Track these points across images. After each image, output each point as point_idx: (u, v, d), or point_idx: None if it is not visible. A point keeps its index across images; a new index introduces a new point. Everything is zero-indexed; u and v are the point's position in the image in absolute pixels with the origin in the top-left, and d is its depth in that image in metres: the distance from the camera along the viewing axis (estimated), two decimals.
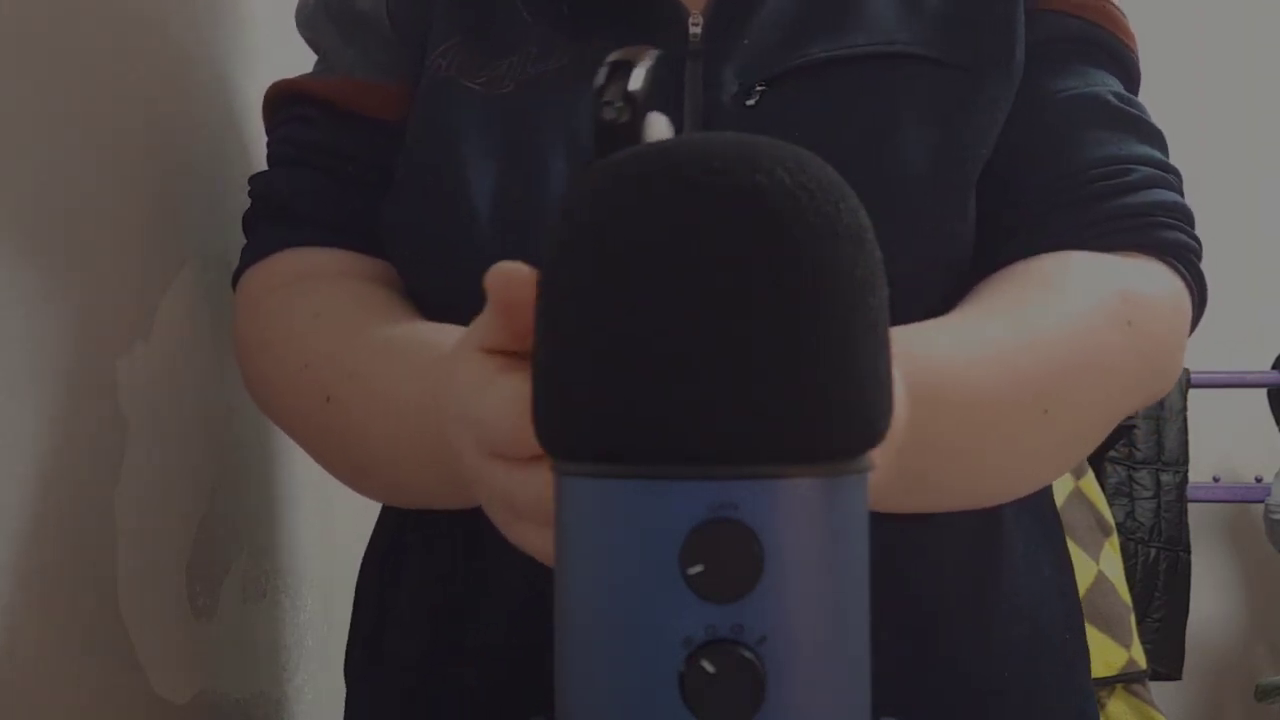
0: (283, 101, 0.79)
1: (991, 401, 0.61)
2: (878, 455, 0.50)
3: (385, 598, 0.77)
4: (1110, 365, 0.66)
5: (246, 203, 0.80)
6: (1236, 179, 2.80)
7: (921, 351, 0.58)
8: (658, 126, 0.42)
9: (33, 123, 0.64)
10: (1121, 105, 0.73)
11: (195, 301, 0.82)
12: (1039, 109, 0.72)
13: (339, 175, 0.76)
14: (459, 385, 0.51)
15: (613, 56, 0.42)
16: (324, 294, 0.71)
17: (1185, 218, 0.71)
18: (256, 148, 0.90)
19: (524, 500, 0.48)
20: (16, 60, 0.62)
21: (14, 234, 0.62)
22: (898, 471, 0.53)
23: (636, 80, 0.41)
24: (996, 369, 0.61)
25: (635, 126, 0.41)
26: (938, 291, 0.68)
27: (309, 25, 0.82)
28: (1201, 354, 2.47)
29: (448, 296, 0.67)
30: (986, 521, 0.72)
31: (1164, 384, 0.71)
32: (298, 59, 0.83)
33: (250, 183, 0.79)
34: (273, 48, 0.92)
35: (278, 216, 0.76)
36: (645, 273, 0.34)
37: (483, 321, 0.50)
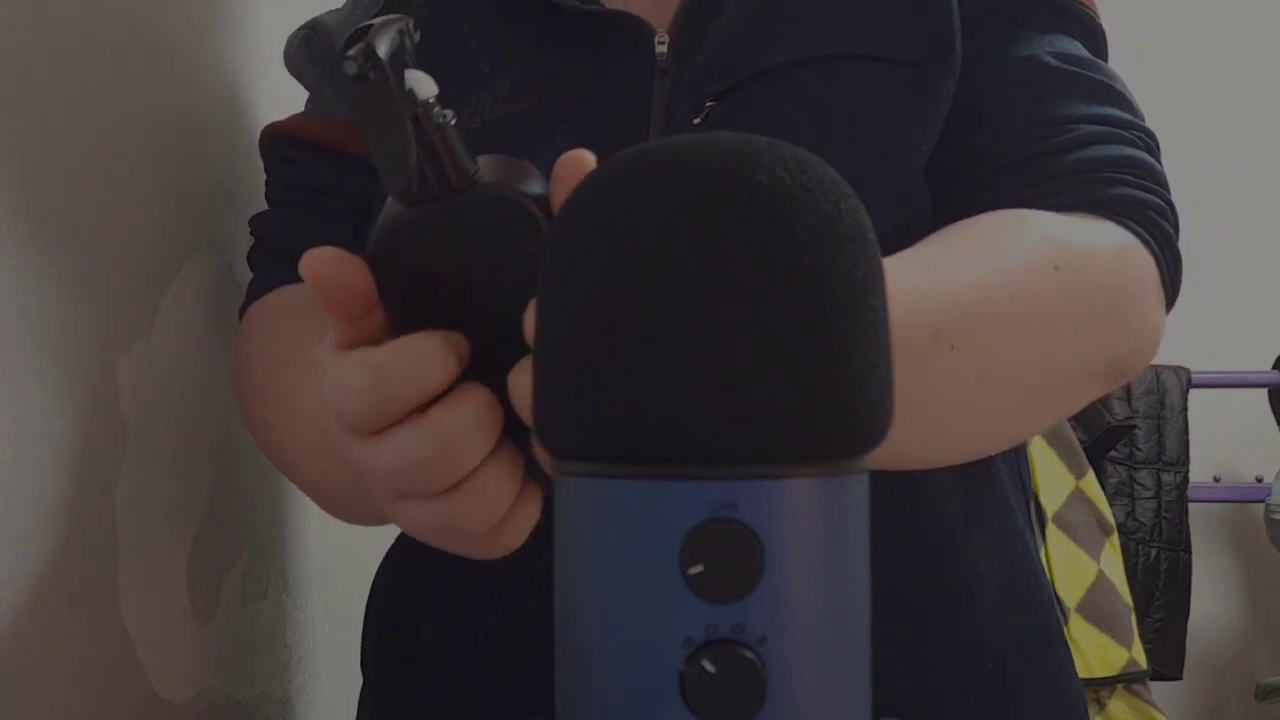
0: (273, 143, 0.83)
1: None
2: None
3: (401, 593, 0.78)
4: (1032, 305, 0.61)
5: (248, 203, 0.82)
6: (1236, 179, 2.80)
7: None
8: (421, 83, 0.43)
9: (33, 124, 0.64)
10: (1064, 65, 0.72)
11: (195, 302, 0.82)
12: (985, 79, 0.72)
13: (327, 212, 0.79)
14: (321, 383, 0.51)
15: (355, 28, 0.44)
16: (293, 324, 0.74)
17: (1143, 173, 0.68)
18: (258, 150, 0.90)
19: (385, 471, 0.48)
20: (18, 61, 0.62)
21: (14, 234, 0.62)
22: None
23: (378, 38, 0.42)
24: (896, 303, 0.59)
25: (384, 82, 0.42)
26: None
27: (293, 65, 0.85)
28: (1201, 354, 2.48)
29: None
30: (966, 509, 0.72)
31: (1130, 338, 0.67)
32: None
33: (250, 224, 0.82)
34: (278, 51, 0.92)
35: (274, 255, 0.80)
36: (644, 272, 0.34)
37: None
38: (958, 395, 0.60)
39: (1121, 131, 0.70)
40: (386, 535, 0.82)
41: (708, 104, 0.70)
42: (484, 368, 0.48)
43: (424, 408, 0.47)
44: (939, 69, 0.71)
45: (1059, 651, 0.77)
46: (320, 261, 0.47)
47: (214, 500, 0.83)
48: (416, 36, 0.46)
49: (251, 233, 0.82)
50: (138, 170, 0.76)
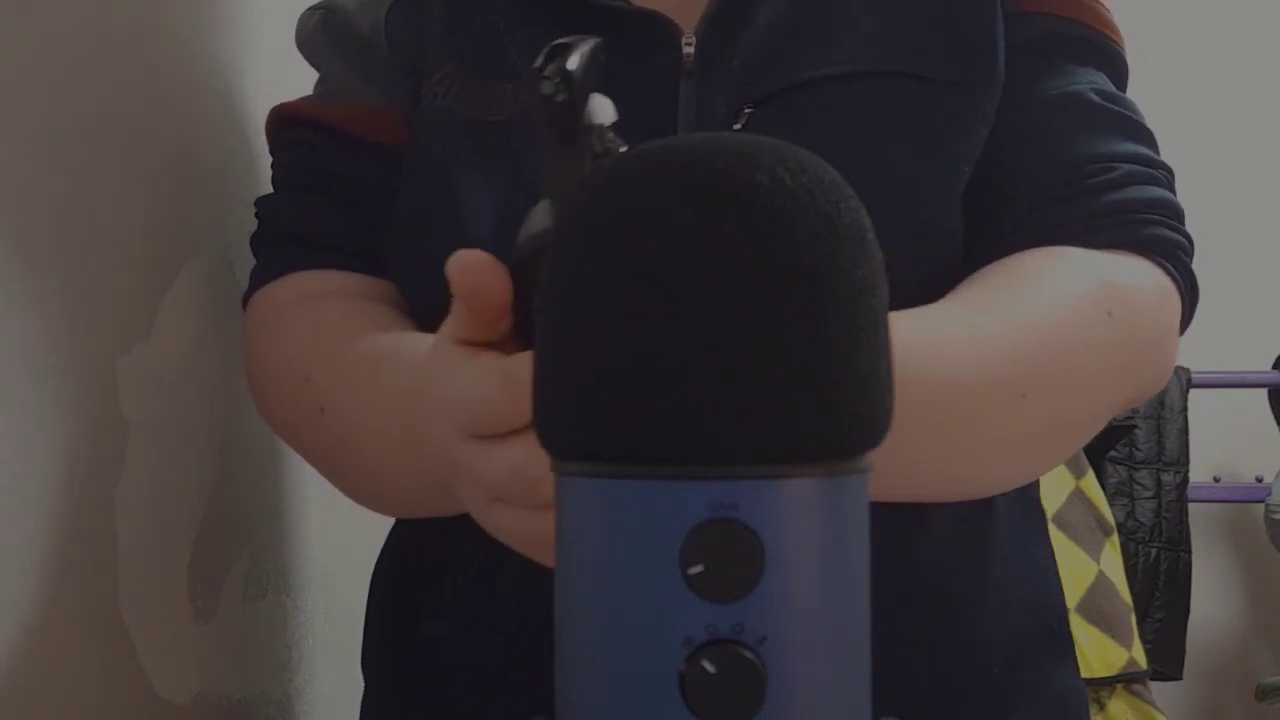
0: (284, 126, 0.80)
1: (965, 381, 0.60)
2: None
3: (399, 595, 0.77)
4: (1090, 353, 0.65)
5: (248, 203, 0.81)
6: (1236, 179, 2.80)
7: (900, 335, 0.58)
8: (602, 109, 0.44)
9: (33, 124, 0.64)
10: (1105, 103, 0.73)
11: (195, 302, 0.82)
12: (1024, 110, 0.72)
13: (344, 199, 0.77)
14: (435, 377, 0.52)
15: (553, 42, 0.44)
16: (324, 311, 0.73)
17: (1172, 213, 0.71)
18: (258, 148, 0.90)
19: (494, 477, 0.49)
20: (18, 62, 0.62)
21: (14, 234, 0.62)
22: (885, 451, 0.53)
23: (574, 61, 0.42)
24: (970, 350, 0.61)
25: (575, 105, 0.42)
26: (929, 300, 0.68)
27: (308, 46, 0.83)
28: (1201, 354, 2.48)
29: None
30: (979, 513, 0.72)
31: (1155, 377, 0.71)
32: (301, 62, 0.83)
33: (257, 205, 0.80)
34: (276, 49, 0.92)
35: (285, 240, 0.78)
36: (645, 272, 0.34)
37: (452, 314, 0.52)
38: (1023, 439, 0.65)
39: (1153, 171, 0.72)
40: (384, 536, 0.82)
41: (746, 110, 0.70)
42: None
43: None
44: (980, 89, 0.72)
45: (1064, 653, 0.77)
46: (470, 264, 0.48)
47: (214, 500, 0.83)
48: (604, 58, 0.46)
49: (258, 216, 0.80)
50: (137, 170, 0.76)
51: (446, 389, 0.50)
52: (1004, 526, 0.74)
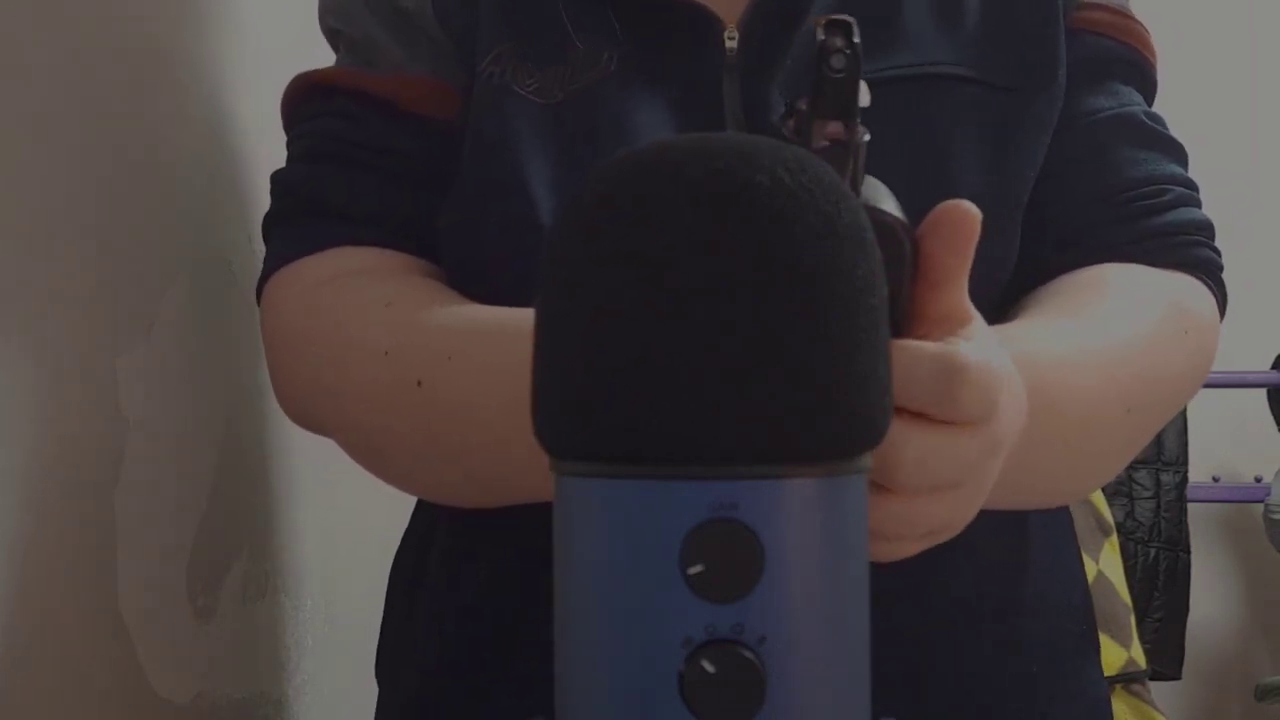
0: (316, 95, 0.76)
1: (1088, 401, 0.63)
2: (1005, 447, 0.52)
3: (413, 602, 0.77)
4: (1176, 370, 0.70)
5: (247, 202, 0.80)
6: (1236, 179, 2.80)
7: (1030, 349, 0.60)
8: (864, 92, 0.44)
9: (32, 124, 0.64)
10: (1153, 125, 0.76)
11: (195, 301, 0.82)
12: (1079, 129, 0.74)
13: (386, 173, 0.73)
14: None
15: (823, 19, 0.43)
16: (391, 285, 0.70)
17: (1211, 234, 0.75)
18: (256, 149, 0.90)
19: (897, 459, 0.48)
20: (16, 63, 0.63)
21: (14, 234, 0.62)
22: (1016, 463, 0.54)
23: (857, 34, 0.42)
24: (1095, 371, 0.64)
25: (855, 80, 0.42)
26: (981, 306, 0.68)
27: (341, 17, 0.78)
28: None
29: (502, 304, 0.66)
30: (1015, 520, 0.72)
31: (1199, 387, 0.75)
32: (295, 63, 0.83)
33: (274, 181, 0.76)
34: (271, 50, 0.92)
35: (315, 215, 0.73)
36: (645, 272, 0.34)
37: None
38: (1119, 452, 0.70)
39: (1192, 193, 0.75)
40: (386, 536, 0.82)
41: (800, 107, 0.69)
42: None
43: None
44: (1041, 96, 0.72)
45: (1093, 653, 0.78)
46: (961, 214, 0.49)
47: (214, 500, 0.83)
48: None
49: (277, 191, 0.75)
50: (138, 170, 0.76)
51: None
52: (1038, 531, 0.74)
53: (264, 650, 0.93)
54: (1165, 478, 2.43)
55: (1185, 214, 0.74)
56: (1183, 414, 2.45)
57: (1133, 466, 2.41)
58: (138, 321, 0.74)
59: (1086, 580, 0.80)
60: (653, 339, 0.34)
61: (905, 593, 0.60)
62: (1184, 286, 0.72)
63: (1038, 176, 0.72)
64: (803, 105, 0.45)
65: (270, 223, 0.76)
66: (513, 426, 0.60)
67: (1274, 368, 2.52)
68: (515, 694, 0.69)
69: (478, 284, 0.71)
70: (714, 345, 0.34)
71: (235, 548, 0.87)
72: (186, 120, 0.84)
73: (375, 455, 0.71)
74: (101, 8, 0.72)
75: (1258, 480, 2.64)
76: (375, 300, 0.68)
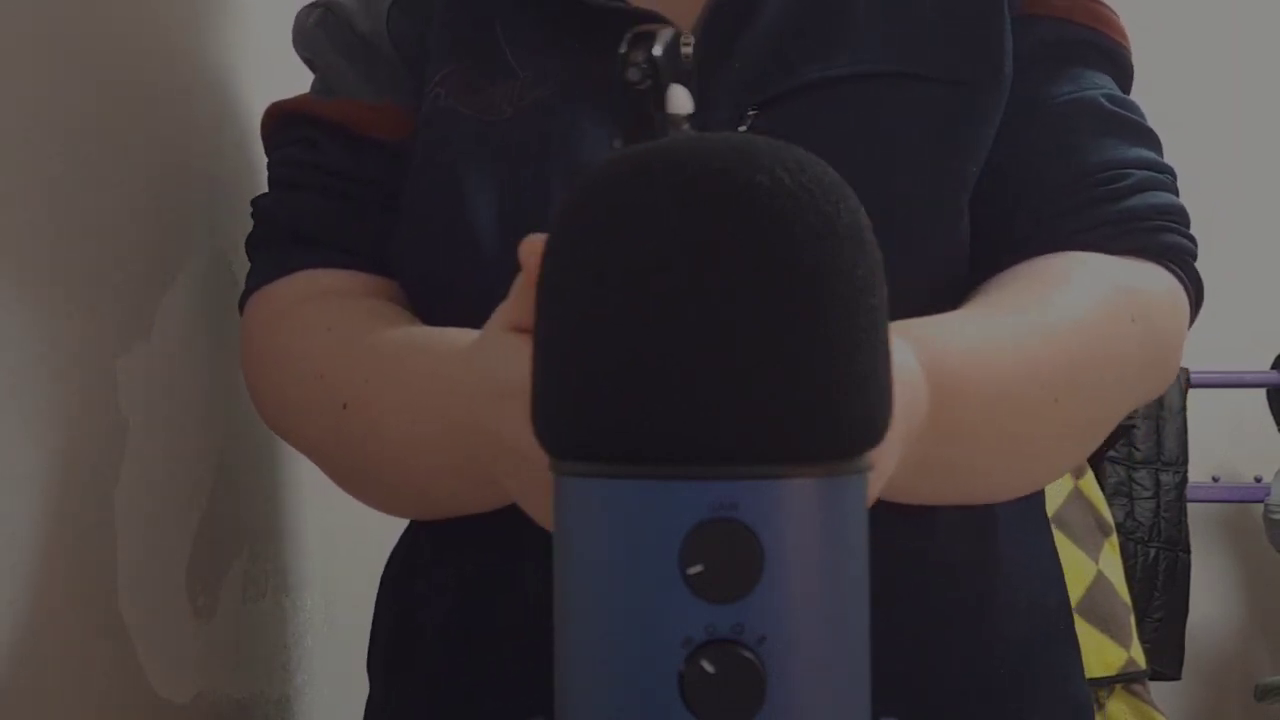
0: (283, 123, 0.79)
1: (1007, 389, 0.62)
2: (897, 440, 0.51)
3: (405, 599, 0.77)
4: (1116, 358, 0.67)
5: (246, 202, 0.80)
6: (1235, 179, 2.80)
7: (940, 341, 0.59)
8: (678, 98, 0.44)
9: (33, 124, 0.64)
10: (1115, 108, 0.74)
11: (195, 301, 0.82)
12: (1036, 115, 0.72)
13: (347, 198, 0.76)
14: (492, 364, 0.52)
15: (634, 30, 0.44)
16: (335, 309, 0.72)
17: (1180, 219, 0.72)
18: (256, 149, 0.90)
19: None
20: (17, 62, 0.63)
21: (14, 234, 0.62)
22: (920, 458, 0.55)
23: (658, 47, 0.42)
24: (1006, 360, 0.62)
25: (659, 92, 0.42)
26: (935, 305, 0.68)
27: (306, 45, 0.82)
28: (1201, 354, 2.48)
29: (454, 320, 0.67)
30: (984, 518, 0.72)
31: (1164, 380, 0.73)
32: (297, 63, 0.83)
33: (254, 205, 0.79)
34: (272, 50, 0.92)
35: (286, 240, 0.76)
36: (644, 272, 0.34)
37: (511, 300, 0.52)
38: (1055, 442, 0.67)
39: (1161, 177, 0.73)
40: (386, 536, 0.82)
41: (750, 113, 0.70)
42: None
43: None
44: (986, 90, 0.72)
45: (1071, 652, 0.78)
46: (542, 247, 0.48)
47: (214, 500, 0.83)
48: (688, 49, 0.46)
49: (255, 215, 0.78)
50: (137, 170, 0.76)
51: (513, 377, 0.49)
52: (1010, 528, 0.74)
53: (264, 650, 0.93)
54: (1165, 478, 2.43)
55: (1148, 198, 0.71)
56: (1183, 414, 2.45)
57: (1133, 466, 2.41)
58: (138, 321, 0.74)
59: (1064, 579, 0.79)
60: (652, 339, 0.34)
61: (874, 595, 0.60)
62: (1137, 272, 0.70)
63: (997, 168, 0.71)
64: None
65: (249, 247, 0.79)
66: (423, 450, 0.63)
67: (1274, 368, 2.52)
68: (511, 694, 0.69)
69: (428, 302, 0.73)
70: (714, 345, 0.34)
71: (235, 548, 0.87)
72: (188, 121, 0.84)
73: (328, 474, 0.74)
74: (104, 8, 0.72)
75: (1258, 480, 2.64)
76: (319, 325, 0.71)
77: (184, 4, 0.85)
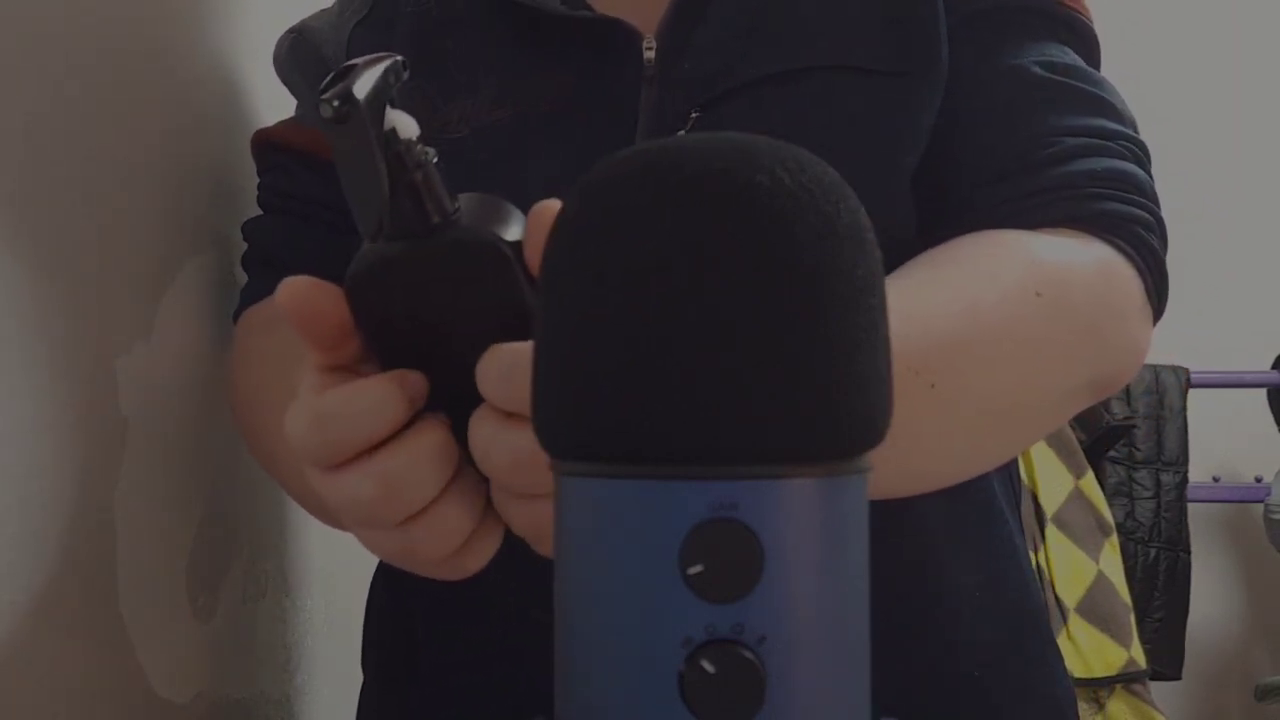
0: (261, 150, 0.83)
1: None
2: None
3: (399, 592, 0.77)
4: (1017, 336, 0.61)
5: (248, 203, 0.81)
6: (1235, 178, 2.80)
7: None
8: (403, 124, 0.44)
9: (32, 124, 0.64)
10: (1052, 75, 0.70)
11: (195, 302, 0.82)
12: (969, 88, 0.71)
13: (318, 223, 0.78)
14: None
15: (344, 64, 0.44)
16: (275, 337, 0.73)
17: (1128, 186, 0.67)
18: None
19: (335, 504, 0.49)
20: (18, 62, 0.63)
21: (14, 234, 0.62)
22: None
23: (360, 82, 0.43)
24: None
25: (361, 124, 0.42)
26: None
27: (281, 70, 0.84)
28: (1201, 354, 2.48)
29: None
30: (959, 515, 0.72)
31: (1113, 360, 0.66)
32: None
33: (243, 229, 0.82)
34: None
35: (264, 263, 0.79)
36: (644, 272, 0.34)
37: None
38: (939, 430, 0.59)
39: (1107, 143, 0.68)
40: None
41: (693, 115, 0.70)
42: (454, 403, 0.48)
43: (376, 448, 0.47)
44: (924, 80, 0.71)
45: (1048, 659, 0.77)
46: (296, 290, 0.48)
47: (214, 500, 0.83)
48: (406, 74, 0.46)
49: (245, 238, 0.82)
50: (137, 170, 0.76)
51: (284, 425, 0.49)
52: (983, 529, 0.74)
53: (264, 650, 0.93)
54: (1165, 478, 2.43)
55: (1081, 164, 0.67)
56: (1183, 414, 2.45)
57: (1133, 466, 2.41)
58: (138, 321, 0.74)
59: (1037, 582, 0.79)
60: (652, 339, 0.34)
61: None
62: (1055, 245, 0.64)
63: (936, 143, 0.70)
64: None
65: (243, 267, 0.82)
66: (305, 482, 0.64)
67: (1274, 368, 2.52)
68: (509, 693, 0.69)
69: None
70: (714, 345, 0.34)
71: (235, 548, 0.87)
72: (189, 121, 0.84)
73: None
74: (107, 8, 0.72)
75: (1258, 480, 2.64)
76: (267, 354, 0.73)
77: (186, 4, 0.85)
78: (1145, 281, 0.67)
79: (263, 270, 0.79)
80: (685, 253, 0.34)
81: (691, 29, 0.72)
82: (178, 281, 0.80)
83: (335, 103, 0.43)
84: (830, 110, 0.70)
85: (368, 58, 0.45)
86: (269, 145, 0.82)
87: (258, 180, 0.84)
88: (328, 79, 0.44)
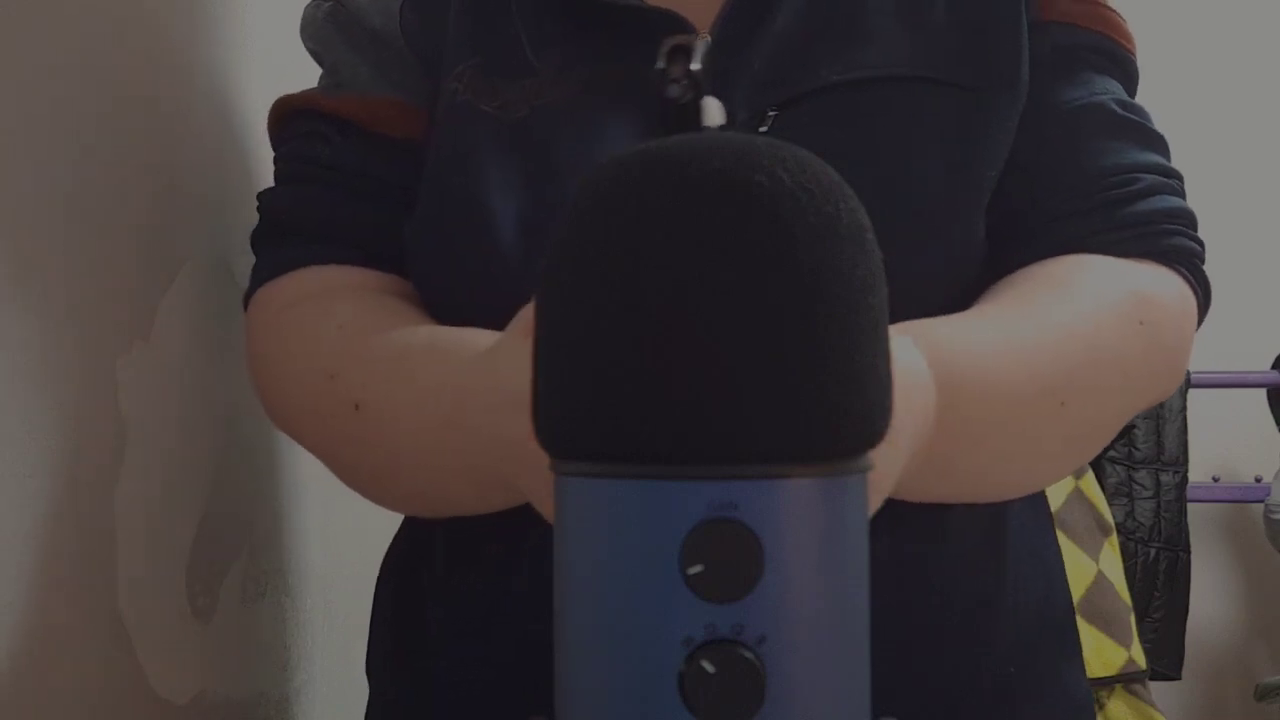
0: (291, 117, 0.78)
1: (1011, 392, 0.62)
2: (906, 439, 0.51)
3: (407, 592, 0.77)
4: (1122, 362, 0.67)
5: (247, 203, 0.80)
6: (1236, 180, 2.80)
7: (949, 342, 0.60)
8: (712, 110, 0.44)
9: (33, 124, 0.64)
10: (1125, 113, 0.74)
11: (195, 301, 0.82)
12: (1048, 120, 0.73)
13: (355, 193, 0.75)
14: (511, 373, 0.52)
15: (670, 42, 0.44)
16: (346, 306, 0.71)
17: (1189, 222, 0.73)
18: (257, 150, 0.90)
19: None
20: (17, 61, 0.63)
21: (14, 234, 0.62)
22: (925, 457, 0.55)
23: (696, 60, 0.43)
24: (1014, 361, 0.63)
25: (697, 105, 0.43)
26: (948, 306, 0.68)
27: (315, 39, 0.81)
28: (1201, 354, 2.47)
29: (472, 320, 0.67)
30: (993, 518, 0.72)
31: (1172, 384, 0.73)
32: (298, 63, 0.83)
33: (260, 199, 0.78)
34: (273, 51, 0.92)
35: (293, 234, 0.75)
36: (644, 272, 0.34)
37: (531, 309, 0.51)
38: (1061, 447, 0.68)
39: (1170, 181, 0.74)
40: (386, 535, 0.82)
41: (770, 113, 0.70)
42: None
43: None
44: (1005, 96, 0.72)
45: (1073, 652, 0.78)
46: None
47: (214, 500, 0.83)
48: (714, 58, 0.46)
49: (260, 210, 0.78)
50: (137, 171, 0.76)
51: (517, 380, 0.48)
52: (1015, 528, 0.74)
53: (264, 650, 0.93)
54: (1165, 478, 2.43)
55: (1157, 202, 0.72)
56: (1183, 414, 2.45)
57: (1133, 466, 2.41)
58: (138, 321, 0.74)
59: (1066, 581, 0.79)
60: (652, 340, 0.34)
61: (877, 593, 0.60)
62: (1146, 275, 0.70)
63: (1009, 170, 0.72)
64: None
65: (254, 242, 0.78)
66: (431, 453, 0.63)
67: (1274, 368, 2.52)
68: (510, 694, 0.69)
69: (440, 299, 0.73)
70: (714, 346, 0.34)
71: (235, 548, 0.87)
72: (189, 121, 0.84)
73: (334, 471, 0.73)
74: (106, 9, 0.72)
75: (1258, 480, 2.64)
76: (328, 323, 0.70)
77: (184, 6, 0.85)
78: (1199, 312, 0.73)
79: (293, 241, 0.75)
80: (685, 253, 0.34)
81: (753, 28, 0.71)
82: (177, 282, 0.79)
83: (683, 82, 0.43)
84: (914, 120, 0.71)
85: (686, 38, 0.46)
86: (300, 112, 0.78)
87: (277, 150, 0.79)
88: (663, 58, 0.44)
